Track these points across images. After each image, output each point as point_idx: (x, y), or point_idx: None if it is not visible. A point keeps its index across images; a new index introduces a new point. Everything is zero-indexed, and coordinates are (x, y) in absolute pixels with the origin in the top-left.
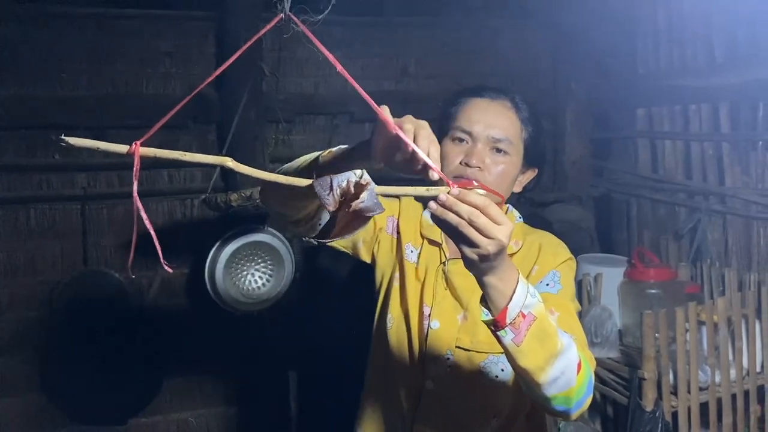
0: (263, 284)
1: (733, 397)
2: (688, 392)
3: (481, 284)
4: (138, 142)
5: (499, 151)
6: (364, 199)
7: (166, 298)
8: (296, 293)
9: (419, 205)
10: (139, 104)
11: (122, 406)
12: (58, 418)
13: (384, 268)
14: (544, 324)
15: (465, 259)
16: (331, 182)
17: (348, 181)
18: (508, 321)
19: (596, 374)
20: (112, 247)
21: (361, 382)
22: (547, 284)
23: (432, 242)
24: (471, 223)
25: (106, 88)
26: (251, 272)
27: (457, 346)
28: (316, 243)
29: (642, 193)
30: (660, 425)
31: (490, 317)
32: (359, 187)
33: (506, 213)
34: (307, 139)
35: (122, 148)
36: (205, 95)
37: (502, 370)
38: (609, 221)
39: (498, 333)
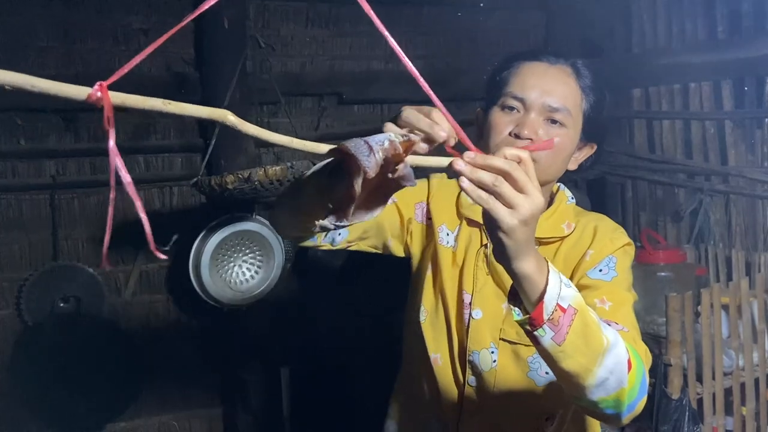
0: (251, 276)
1: (756, 381)
2: (713, 378)
3: (513, 275)
4: (104, 83)
5: (554, 122)
6: (406, 164)
7: (145, 293)
8: (287, 286)
9: (454, 183)
10: (113, 85)
11: (98, 410)
12: (30, 423)
13: (419, 259)
14: (585, 317)
15: (495, 245)
16: (369, 144)
17: (391, 141)
18: (545, 317)
19: None
20: (85, 240)
21: (357, 380)
22: (601, 270)
23: (471, 222)
24: (494, 190)
25: (77, 67)
26: (239, 264)
27: (501, 339)
28: (333, 227)
29: (639, 174)
30: (687, 413)
31: (524, 316)
32: (408, 145)
33: (557, 192)
34: (293, 122)
35: (81, 91)
36: (184, 74)
37: None
38: (604, 204)
39: (535, 333)
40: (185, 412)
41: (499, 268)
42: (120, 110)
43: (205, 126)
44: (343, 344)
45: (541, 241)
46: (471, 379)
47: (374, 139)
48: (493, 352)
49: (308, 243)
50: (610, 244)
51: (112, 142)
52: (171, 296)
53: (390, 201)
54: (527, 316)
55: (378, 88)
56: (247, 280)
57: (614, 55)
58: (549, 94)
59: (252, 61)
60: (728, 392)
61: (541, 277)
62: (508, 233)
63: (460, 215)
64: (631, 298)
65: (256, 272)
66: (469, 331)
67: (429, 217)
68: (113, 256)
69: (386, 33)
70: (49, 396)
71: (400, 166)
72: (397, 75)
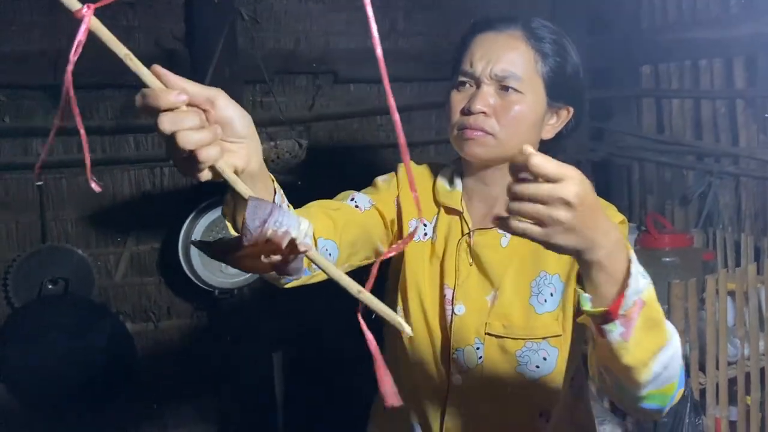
0: None
1: (761, 371)
2: (716, 368)
3: (585, 266)
4: (93, 6)
5: (507, 89)
6: (289, 260)
7: (136, 276)
8: None
9: (425, 171)
10: (99, 61)
11: (88, 394)
12: (16, 405)
13: (395, 259)
14: (652, 310)
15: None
16: (268, 217)
17: (286, 233)
18: (621, 311)
19: None
20: (74, 221)
21: (351, 365)
22: None
23: (450, 210)
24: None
25: (62, 43)
26: None
27: (487, 333)
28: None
29: (646, 156)
30: (689, 404)
31: (596, 308)
32: (292, 250)
33: None
34: (286, 101)
35: (73, 4)
36: (174, 50)
37: (544, 359)
38: (608, 187)
39: (604, 327)
40: (177, 396)
41: (485, 257)
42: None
43: None
44: (336, 329)
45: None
46: (456, 377)
47: (277, 218)
48: (478, 348)
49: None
50: None
51: (70, 68)
52: (162, 279)
53: (368, 204)
54: (602, 309)
55: (375, 67)
56: None
57: (622, 30)
58: (495, 62)
59: (243, 37)
60: (732, 382)
61: (619, 267)
62: (567, 232)
63: (437, 203)
64: None
65: None
66: (452, 329)
67: (399, 213)
68: (102, 238)
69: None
70: (36, 379)
71: (275, 257)
72: (396, 53)
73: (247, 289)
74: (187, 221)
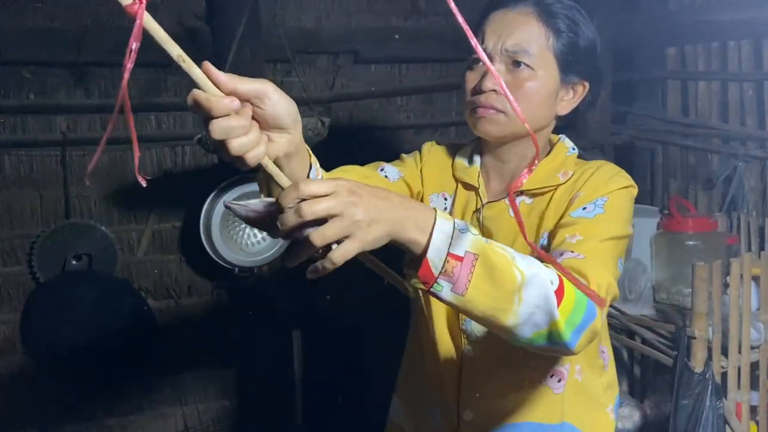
0: (263, 238)
1: None
2: (739, 352)
3: (398, 246)
4: (144, 1)
5: (518, 65)
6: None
7: (158, 253)
8: None
9: (442, 149)
10: (123, 39)
11: (110, 367)
12: (41, 379)
13: None
14: (489, 259)
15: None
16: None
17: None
18: (435, 271)
19: (633, 332)
20: (97, 198)
21: (370, 343)
22: (585, 208)
23: (468, 186)
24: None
25: (86, 20)
26: (249, 226)
27: None
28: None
29: (670, 139)
30: (710, 387)
31: (416, 280)
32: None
33: (557, 143)
34: (306, 81)
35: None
36: (196, 29)
37: None
38: (631, 171)
39: (432, 290)
40: (197, 372)
41: (494, 229)
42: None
43: None
44: (355, 307)
45: (534, 192)
46: (467, 348)
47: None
48: None
49: None
50: (603, 186)
51: (133, 48)
52: (183, 256)
53: (397, 175)
54: (415, 278)
55: (396, 46)
56: (258, 242)
57: (649, 11)
58: (506, 38)
59: (265, 16)
60: (754, 366)
61: (421, 235)
62: (363, 245)
63: (456, 179)
64: (613, 231)
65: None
66: None
67: (422, 184)
68: (124, 216)
69: None
70: (60, 352)
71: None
72: (416, 32)
73: (267, 267)
74: (208, 200)
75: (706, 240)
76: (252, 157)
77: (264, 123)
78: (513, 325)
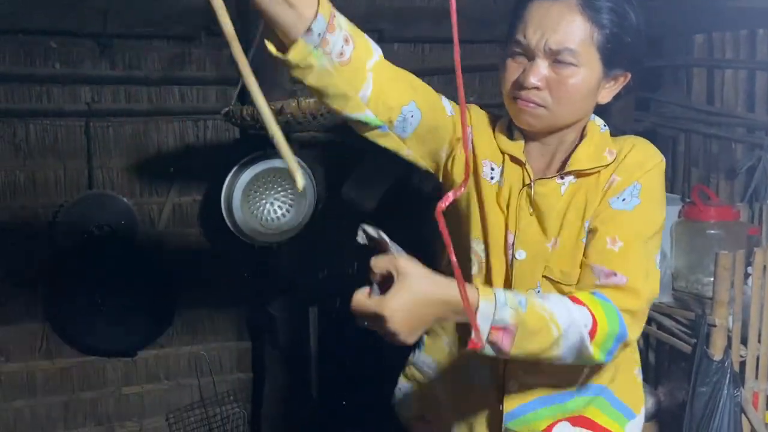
0: (283, 214)
1: None
2: (759, 341)
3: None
4: None
5: (561, 62)
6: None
7: (178, 226)
8: (318, 225)
9: (485, 115)
10: (150, 10)
11: (130, 337)
12: (62, 348)
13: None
14: (527, 326)
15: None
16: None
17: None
18: (481, 343)
19: (650, 319)
20: (119, 170)
21: None
22: (624, 199)
23: (514, 160)
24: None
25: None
26: (270, 201)
27: (544, 276)
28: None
29: (694, 127)
30: (728, 375)
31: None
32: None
33: (588, 123)
34: None
35: None
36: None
37: None
38: None
39: (482, 352)
40: (215, 344)
41: (545, 206)
42: None
43: None
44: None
45: (583, 173)
46: None
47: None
48: (538, 292)
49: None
50: (638, 168)
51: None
52: (203, 230)
53: (450, 111)
54: (465, 349)
55: (421, 26)
56: (278, 217)
57: None
58: (550, 35)
59: None
60: None
61: (464, 318)
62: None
63: (502, 151)
64: (651, 226)
65: (288, 210)
66: (513, 273)
67: (473, 144)
68: (146, 188)
69: None
70: (82, 322)
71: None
72: (439, 12)
73: (287, 243)
74: (230, 175)
75: (727, 229)
76: None
77: None
78: (555, 358)
